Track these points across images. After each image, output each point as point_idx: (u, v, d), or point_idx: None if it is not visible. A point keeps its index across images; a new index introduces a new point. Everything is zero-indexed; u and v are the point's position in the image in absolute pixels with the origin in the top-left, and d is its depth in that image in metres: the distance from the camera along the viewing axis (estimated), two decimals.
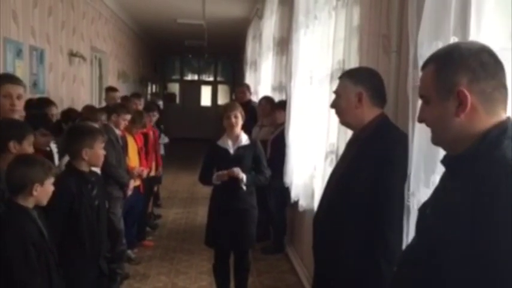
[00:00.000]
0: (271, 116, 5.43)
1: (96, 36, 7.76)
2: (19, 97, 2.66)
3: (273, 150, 5.03)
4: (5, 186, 2.20)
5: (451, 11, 1.61)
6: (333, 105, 2.13)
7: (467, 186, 1.09)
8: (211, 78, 17.90)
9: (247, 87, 6.77)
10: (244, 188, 3.53)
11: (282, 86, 5.58)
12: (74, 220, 2.44)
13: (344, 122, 2.13)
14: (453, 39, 1.60)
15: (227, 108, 3.70)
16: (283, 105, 4.93)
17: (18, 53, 4.56)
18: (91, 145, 2.59)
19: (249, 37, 9.53)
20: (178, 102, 17.63)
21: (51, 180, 2.19)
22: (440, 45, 1.64)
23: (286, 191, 4.65)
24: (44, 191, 2.15)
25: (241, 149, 3.61)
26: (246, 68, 9.73)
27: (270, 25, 6.32)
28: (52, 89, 5.55)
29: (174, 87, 17.96)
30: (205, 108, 17.57)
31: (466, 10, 1.58)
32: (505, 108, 1.18)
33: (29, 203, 2.13)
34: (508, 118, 1.16)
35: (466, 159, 1.16)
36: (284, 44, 5.43)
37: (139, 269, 4.65)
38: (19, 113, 2.66)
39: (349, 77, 2.08)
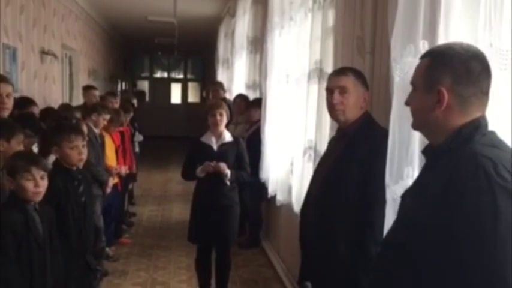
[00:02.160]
0: (246, 114, 5.55)
1: (67, 34, 7.69)
2: (8, 95, 2.70)
3: (248, 147, 5.11)
4: None
5: (420, 16, 1.75)
6: (336, 100, 2.13)
7: (441, 176, 1.23)
8: (181, 76, 17.87)
9: (221, 85, 6.86)
10: (228, 183, 3.63)
11: (256, 84, 5.70)
12: (61, 216, 2.50)
13: (338, 117, 2.15)
14: (422, 43, 1.75)
15: (213, 107, 3.78)
16: (258, 103, 5.06)
17: None
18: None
19: (220, 35, 9.59)
20: (148, 99, 17.52)
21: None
22: (413, 48, 1.79)
23: (261, 187, 4.77)
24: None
25: (224, 146, 3.71)
26: (218, 65, 9.79)
27: (243, 24, 6.42)
28: (25, 87, 5.50)
29: (144, 85, 17.85)
30: (176, 105, 17.54)
31: (435, 14, 1.72)
32: (481, 111, 1.32)
33: None
34: (481, 116, 1.31)
35: (441, 153, 1.31)
36: (258, 43, 5.55)
37: (118, 266, 4.69)
38: (8, 110, 2.69)
39: (358, 78, 2.16)
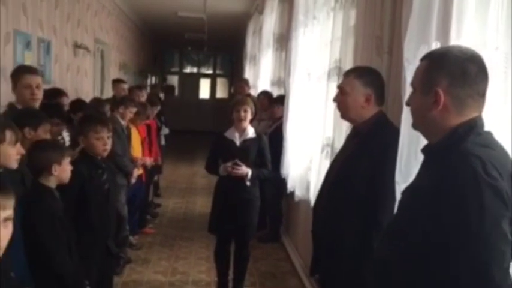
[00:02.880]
0: (269, 110, 5.62)
1: (99, 28, 7.91)
2: (38, 87, 2.85)
3: (270, 144, 5.20)
4: (24, 168, 2.39)
5: (433, 17, 1.79)
6: (337, 100, 2.27)
7: (436, 173, 1.31)
8: (210, 71, 18.05)
9: (246, 81, 6.96)
10: (248, 183, 3.70)
11: (281, 81, 5.76)
12: (84, 201, 2.64)
13: (345, 116, 2.27)
14: (435, 44, 1.79)
15: (238, 102, 3.86)
16: (281, 100, 5.12)
17: (27, 45, 4.73)
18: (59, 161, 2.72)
19: (249, 32, 9.68)
20: (177, 94, 17.78)
21: (68, 159, 2.39)
22: (426, 48, 1.83)
23: (282, 183, 4.84)
24: (63, 170, 2.36)
25: (247, 142, 3.78)
26: (246, 62, 9.89)
27: (270, 21, 6.49)
28: (57, 79, 5.71)
29: (174, 80, 18.11)
30: (204, 100, 17.73)
31: (448, 16, 1.75)
32: (478, 112, 1.37)
33: (51, 183, 2.33)
34: (477, 117, 1.36)
35: (437, 150, 1.37)
36: (283, 41, 5.61)
37: (141, 254, 4.85)
38: (39, 101, 2.85)
39: (359, 77, 2.21)
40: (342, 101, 2.21)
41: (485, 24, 1.63)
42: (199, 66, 17.99)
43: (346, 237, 2.05)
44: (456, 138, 1.32)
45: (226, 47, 16.08)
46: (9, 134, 1.91)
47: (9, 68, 4.12)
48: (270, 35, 6.38)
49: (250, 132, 3.82)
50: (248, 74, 9.17)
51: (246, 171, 3.63)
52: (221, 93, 17.96)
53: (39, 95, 2.90)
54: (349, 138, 2.29)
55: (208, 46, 15.65)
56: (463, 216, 1.20)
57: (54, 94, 3.97)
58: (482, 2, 1.63)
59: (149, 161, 5.00)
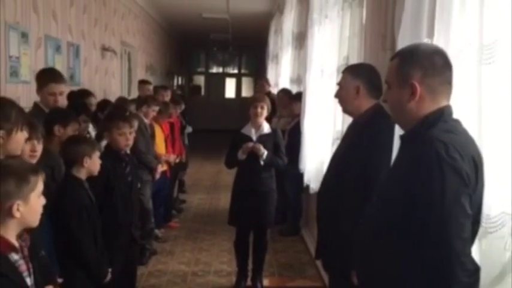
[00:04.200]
0: (288, 107, 5.78)
1: (126, 32, 8.21)
2: (61, 93, 3.12)
3: (290, 139, 5.37)
4: (54, 163, 2.62)
5: (424, 15, 1.92)
6: (336, 95, 2.46)
7: (408, 155, 1.48)
8: (235, 71, 18.28)
9: (266, 80, 7.14)
10: (262, 162, 3.86)
11: (300, 78, 5.90)
12: (109, 192, 2.86)
13: (345, 109, 2.47)
14: (427, 41, 1.92)
15: (255, 99, 4.06)
16: (299, 97, 5.27)
17: (57, 49, 5.02)
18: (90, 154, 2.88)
19: (271, 31, 9.85)
20: (204, 94, 18.07)
21: (97, 153, 2.62)
22: None
23: (301, 177, 4.99)
24: (93, 162, 2.58)
25: (263, 137, 3.96)
26: (268, 61, 10.06)
27: (289, 20, 6.65)
28: (86, 81, 6.00)
29: (200, 80, 18.42)
30: (230, 100, 17.96)
31: (435, 16, 1.89)
32: (447, 99, 1.54)
33: (82, 174, 2.56)
34: (446, 106, 1.51)
35: (410, 136, 1.53)
36: (302, 39, 5.75)
37: (166, 247, 5.08)
38: (61, 106, 3.10)
39: (349, 72, 2.41)
40: (339, 95, 2.40)
41: (463, 20, 1.75)
42: (224, 66, 18.24)
43: (342, 220, 2.20)
44: (426, 126, 1.48)
45: (251, 46, 16.27)
46: (26, 130, 2.07)
47: None
48: (289, 34, 6.53)
49: (266, 128, 3.99)
50: (270, 72, 9.34)
51: (263, 151, 3.80)
52: (246, 92, 18.15)
53: (62, 101, 3.17)
54: (349, 129, 2.45)
55: (233, 46, 15.90)
56: (428, 193, 1.36)
57: (83, 94, 4.23)
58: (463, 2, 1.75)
59: (172, 157, 5.23)
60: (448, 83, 1.53)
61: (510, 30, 1.48)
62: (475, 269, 1.37)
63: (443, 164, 1.36)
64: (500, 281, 1.43)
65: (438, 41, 1.84)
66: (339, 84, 2.41)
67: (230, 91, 18.21)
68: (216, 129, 15.19)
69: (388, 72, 1.61)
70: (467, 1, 1.72)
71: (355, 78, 2.32)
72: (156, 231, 5.20)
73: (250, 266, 4.18)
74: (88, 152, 2.58)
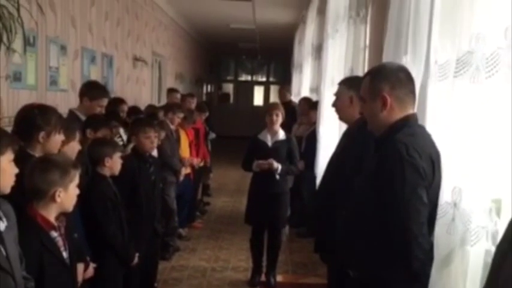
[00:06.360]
0: (308, 115, 6.07)
1: (157, 42, 8.67)
2: (102, 106, 3.59)
3: (307, 145, 5.66)
4: (86, 161, 3.00)
5: (403, 35, 2.20)
6: (333, 104, 2.76)
7: (378, 156, 1.76)
8: (264, 79, 18.64)
9: (288, 88, 7.46)
10: (278, 177, 4.18)
11: (319, 88, 6.19)
12: (135, 189, 3.22)
13: (340, 118, 2.77)
14: (405, 58, 2.19)
15: (270, 107, 4.40)
16: (316, 106, 5.55)
17: (93, 60, 5.46)
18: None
19: (296, 41, 10.16)
20: (232, 101, 18.49)
21: (118, 154, 2.97)
22: (399, 62, 2.23)
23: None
24: (114, 162, 2.94)
25: (278, 143, 4.28)
26: (293, 70, 10.37)
27: (310, 32, 6.95)
28: (119, 89, 6.44)
29: (229, 87, 18.85)
30: (258, 108, 18.28)
31: (414, 36, 2.16)
32: (412, 107, 1.84)
33: (105, 172, 2.92)
34: (412, 114, 1.80)
35: (380, 141, 1.81)
36: (319, 50, 6.04)
37: (189, 244, 5.44)
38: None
39: (344, 83, 2.71)
40: (335, 105, 2.68)
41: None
42: (253, 74, 18.62)
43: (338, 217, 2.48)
44: (393, 131, 1.77)
45: (279, 55, 16.60)
46: (63, 133, 2.45)
47: (77, 81, 4.85)
48: (309, 45, 6.83)
49: (281, 134, 4.30)
50: (294, 81, 9.64)
51: (277, 165, 4.10)
52: (274, 100, 18.41)
53: (103, 110, 3.66)
54: (343, 136, 2.73)
55: (261, 54, 16.28)
56: (391, 185, 1.65)
57: (116, 102, 4.64)
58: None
59: (196, 161, 5.58)
60: (411, 93, 1.82)
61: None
62: (430, 248, 1.66)
63: (404, 161, 1.65)
64: (448, 258, 1.69)
65: (412, 58, 2.11)
66: (335, 95, 2.70)
67: (258, 99, 18.55)
68: (244, 135, 15.50)
69: (362, 89, 1.91)
70: (435, 22, 1.98)
71: (349, 89, 2.60)
72: (180, 230, 5.56)
73: (264, 263, 4.48)
74: (109, 153, 2.92)
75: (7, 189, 1.68)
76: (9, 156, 1.67)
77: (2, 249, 1.57)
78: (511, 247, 1.03)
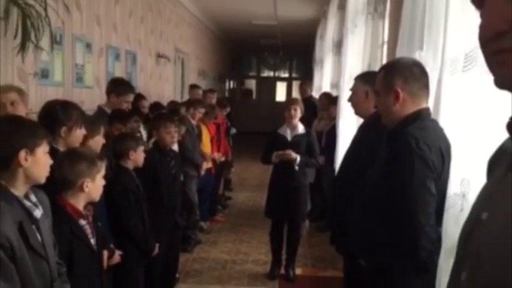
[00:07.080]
0: (328, 110, 6.10)
1: (180, 39, 8.79)
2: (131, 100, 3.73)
3: (327, 140, 5.70)
4: (111, 154, 3.12)
5: (416, 30, 2.23)
6: (349, 99, 2.81)
7: (390, 148, 1.81)
8: (286, 75, 18.67)
9: (308, 84, 7.49)
10: (297, 168, 4.24)
11: (338, 83, 6.21)
12: (156, 182, 3.33)
13: (356, 112, 2.80)
14: (418, 53, 2.23)
15: (289, 102, 4.47)
16: (336, 101, 5.58)
17: (117, 57, 5.60)
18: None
19: (317, 36, 10.17)
20: (255, 97, 18.57)
21: (141, 148, 3.08)
22: (414, 56, 2.27)
23: None
24: (137, 156, 3.05)
25: (297, 137, 4.34)
26: (315, 65, 10.38)
27: (331, 27, 6.96)
28: (142, 86, 6.57)
29: (251, 83, 18.94)
30: (280, 103, 18.27)
31: (430, 30, 2.19)
32: (426, 101, 1.87)
33: (129, 165, 3.03)
34: (424, 108, 1.83)
35: (392, 134, 1.85)
36: (340, 46, 6.05)
37: (210, 237, 5.55)
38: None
39: (359, 78, 2.75)
40: (351, 100, 2.71)
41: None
42: (275, 70, 18.66)
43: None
44: (405, 125, 1.81)
45: (301, 51, 16.58)
46: (84, 128, 2.56)
47: (102, 77, 5.00)
48: (330, 40, 6.85)
49: (300, 128, 4.36)
50: (316, 76, 9.65)
51: (295, 155, 4.16)
52: (297, 95, 18.45)
53: (130, 105, 3.82)
54: (359, 129, 2.77)
55: (283, 50, 16.30)
56: (401, 177, 1.70)
57: (136, 98, 4.77)
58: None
59: (217, 156, 5.68)
60: (425, 87, 1.85)
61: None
62: (438, 238, 1.70)
63: (414, 154, 1.70)
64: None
65: (427, 53, 2.14)
66: (351, 89, 2.74)
67: (281, 94, 18.60)
68: (266, 131, 15.56)
69: (377, 83, 1.96)
70: (449, 18, 2.01)
71: (364, 84, 2.64)
72: (202, 223, 5.67)
73: (284, 256, 4.55)
74: (133, 146, 3.04)
75: (42, 179, 1.75)
76: (44, 148, 1.73)
77: (38, 236, 1.66)
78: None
